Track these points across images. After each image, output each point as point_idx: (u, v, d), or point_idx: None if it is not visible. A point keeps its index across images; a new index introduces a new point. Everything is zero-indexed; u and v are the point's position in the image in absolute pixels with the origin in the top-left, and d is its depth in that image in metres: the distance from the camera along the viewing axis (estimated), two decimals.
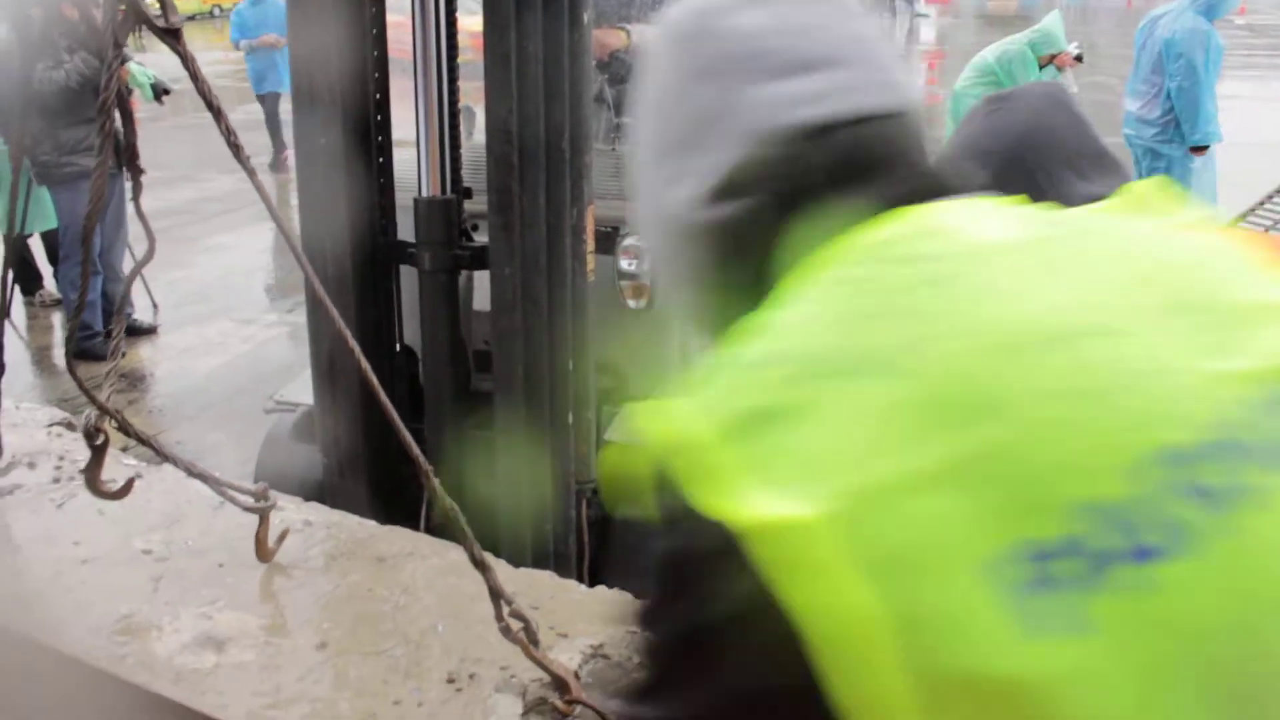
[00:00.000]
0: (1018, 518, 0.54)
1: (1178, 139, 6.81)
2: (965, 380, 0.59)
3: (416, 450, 1.33)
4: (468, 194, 2.88)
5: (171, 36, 1.08)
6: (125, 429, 1.77)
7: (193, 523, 2.38)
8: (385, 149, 2.83)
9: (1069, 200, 1.49)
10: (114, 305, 6.49)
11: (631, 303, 3.30)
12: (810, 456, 0.58)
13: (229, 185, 10.95)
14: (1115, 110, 7.95)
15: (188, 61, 1.13)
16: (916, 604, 0.54)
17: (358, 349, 1.28)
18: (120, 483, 1.88)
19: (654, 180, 0.87)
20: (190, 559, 2.26)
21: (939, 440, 0.57)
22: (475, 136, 3.55)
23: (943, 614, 0.53)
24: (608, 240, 3.22)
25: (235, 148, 1.23)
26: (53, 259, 7.09)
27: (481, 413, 2.98)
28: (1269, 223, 7.18)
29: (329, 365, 2.83)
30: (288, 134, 9.97)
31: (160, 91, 6.61)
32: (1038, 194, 1.51)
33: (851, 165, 0.77)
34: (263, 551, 2.21)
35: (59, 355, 6.75)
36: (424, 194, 2.79)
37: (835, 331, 0.64)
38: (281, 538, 2.26)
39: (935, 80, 16.52)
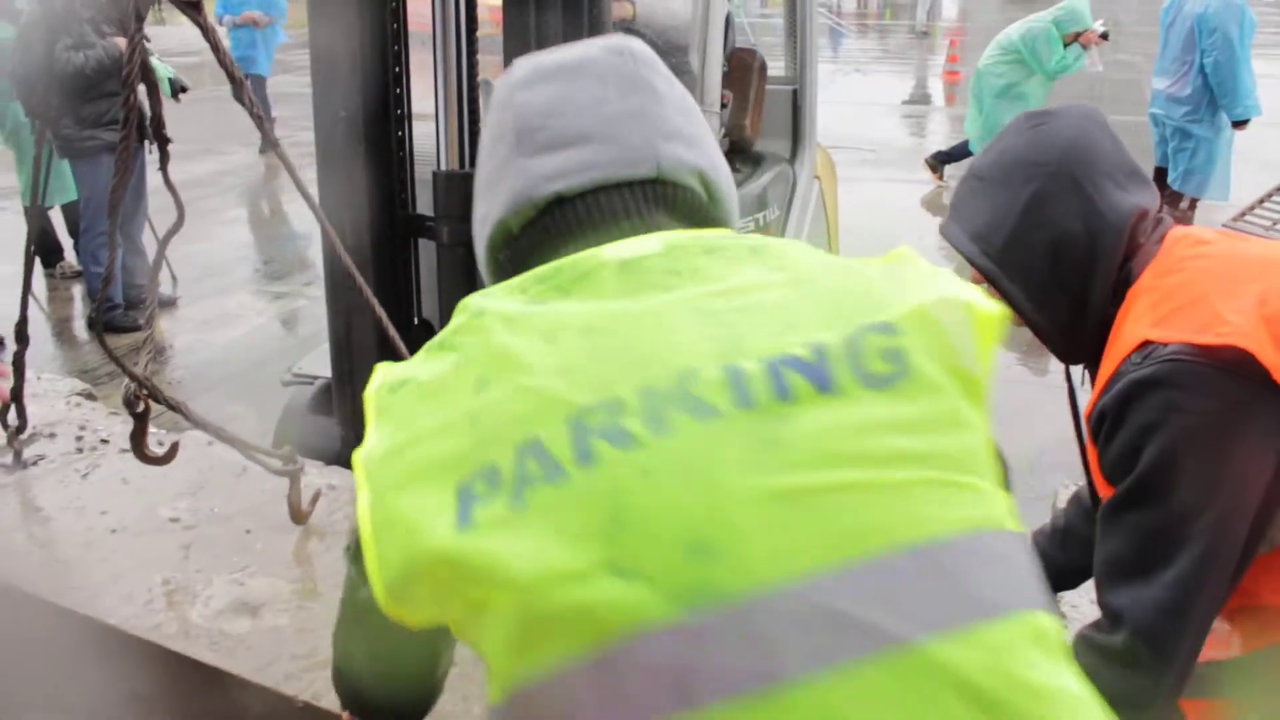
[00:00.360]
0: (481, 453, 0.83)
1: (1208, 117, 6.74)
2: (486, 359, 0.88)
3: None
4: None
5: (192, 8, 1.08)
6: (155, 396, 1.78)
7: (217, 490, 2.40)
8: (404, 122, 2.83)
9: (1116, 207, 1.58)
10: (133, 278, 6.53)
11: None
12: (392, 413, 0.89)
13: (249, 158, 10.97)
14: (1141, 89, 7.89)
15: (208, 33, 1.13)
16: (391, 512, 0.84)
17: (385, 317, 1.29)
18: (165, 447, 1.91)
19: (477, 206, 1.09)
20: (218, 525, 2.28)
21: (453, 401, 0.87)
22: None
23: (406, 518, 0.83)
24: None
25: (258, 118, 1.23)
26: (73, 232, 7.13)
27: None
28: (1268, 223, 7.15)
29: (347, 337, 2.84)
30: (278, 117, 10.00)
31: (178, 89, 6.60)
32: (1085, 202, 1.58)
33: (579, 226, 1.00)
34: (297, 514, 2.22)
35: (79, 327, 6.79)
36: (443, 168, 2.79)
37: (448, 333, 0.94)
38: (314, 500, 2.27)
39: (956, 58, 16.46)
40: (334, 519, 2.29)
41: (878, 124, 13.02)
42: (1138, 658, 1.46)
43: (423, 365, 0.92)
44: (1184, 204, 6.70)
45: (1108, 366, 1.53)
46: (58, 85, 5.80)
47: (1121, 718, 1.23)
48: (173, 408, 1.78)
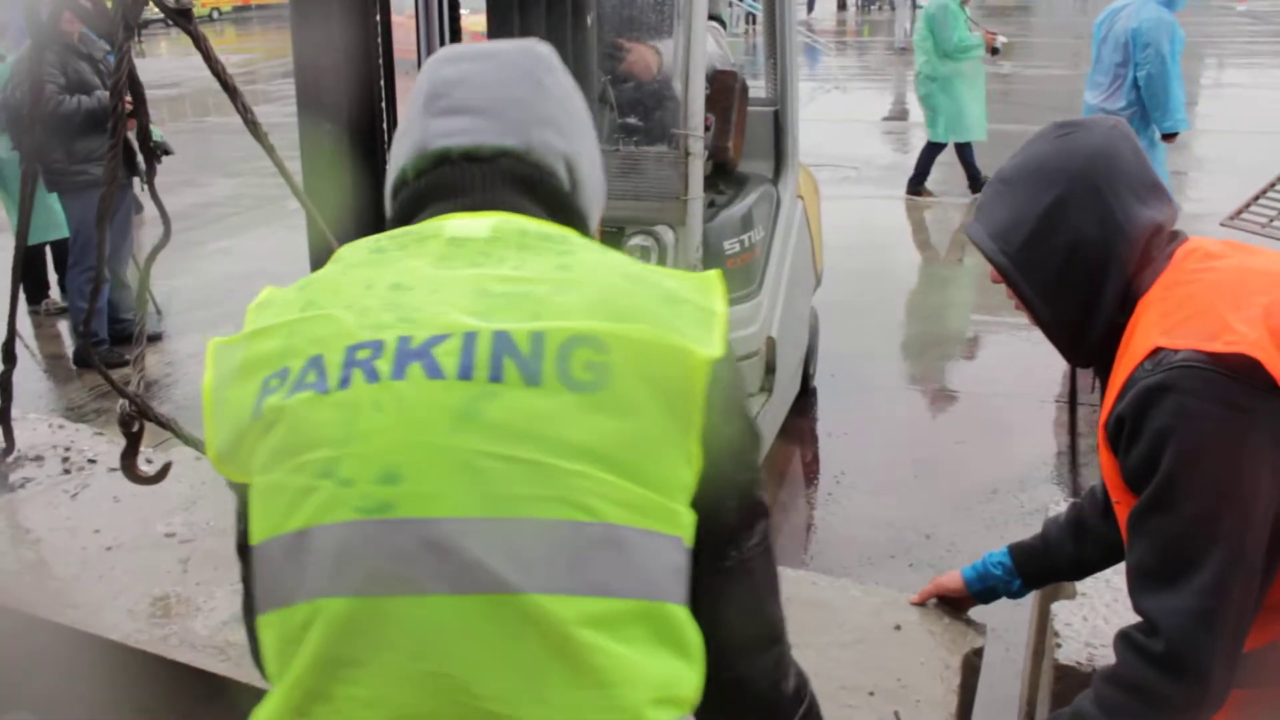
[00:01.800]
0: (283, 359, 1.07)
1: (1141, 129, 6.81)
2: (321, 287, 1.12)
3: None
4: None
5: (182, 17, 1.09)
6: (146, 414, 1.79)
7: (210, 504, 2.40)
8: (390, 137, 2.83)
9: (1133, 219, 1.64)
10: (118, 312, 6.51)
11: None
12: (249, 317, 1.14)
13: (229, 189, 10.96)
14: (1074, 99, 7.94)
15: (199, 41, 1.14)
16: (223, 398, 1.10)
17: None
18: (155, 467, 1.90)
19: (391, 156, 1.28)
20: (215, 539, 2.27)
21: (284, 313, 1.10)
22: None
23: (232, 402, 1.09)
24: (613, 240, 3.23)
25: (253, 125, 1.25)
26: (60, 268, 7.10)
27: None
28: (1264, 219, 7.18)
29: None
30: None
31: (162, 151, 6.59)
32: (1105, 210, 1.63)
33: (450, 188, 1.20)
34: None
35: (64, 364, 6.76)
36: None
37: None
38: None
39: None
40: None
41: (859, 141, 13.08)
42: (1178, 665, 1.51)
43: (284, 289, 1.16)
44: None
45: (1120, 374, 1.58)
46: (49, 124, 5.82)
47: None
48: (164, 425, 1.79)
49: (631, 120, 3.65)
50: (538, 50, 1.29)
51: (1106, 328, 1.68)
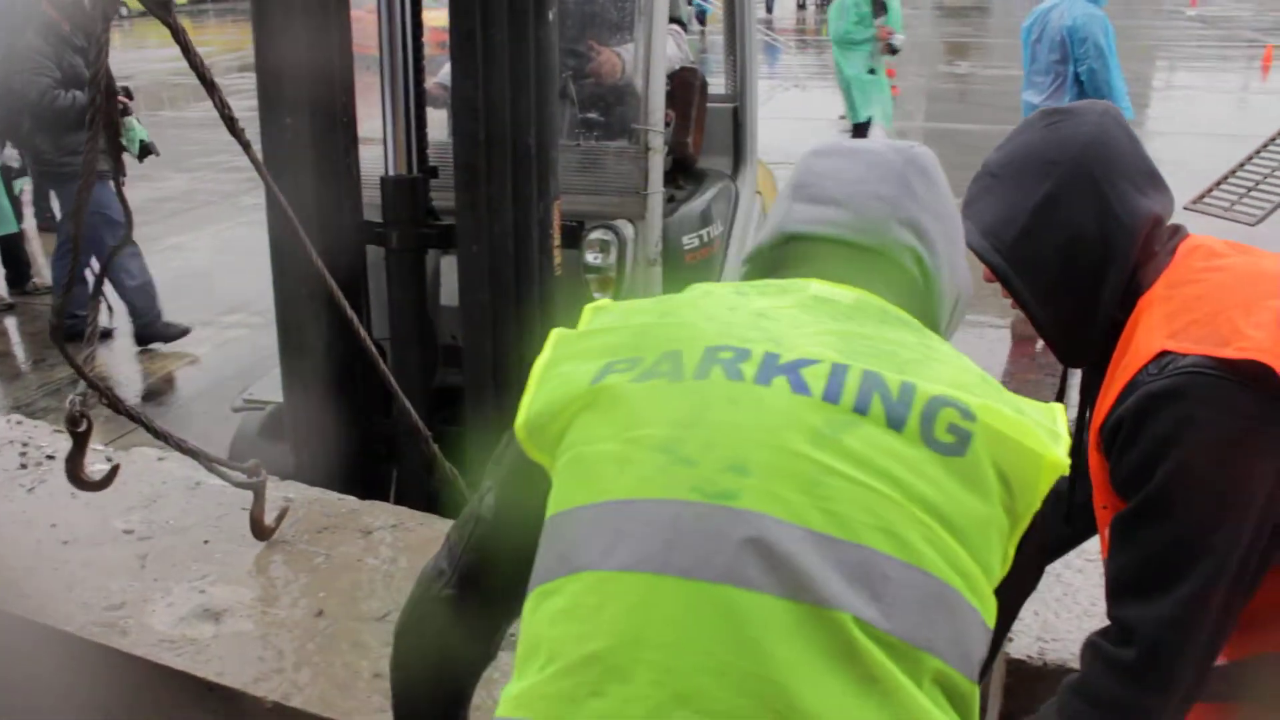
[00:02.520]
0: (634, 350, 1.08)
1: None
2: (683, 302, 1.16)
3: (416, 417, 1.40)
4: (434, 173, 2.89)
5: (161, 8, 1.08)
6: (115, 406, 1.77)
7: (171, 502, 2.39)
8: (350, 131, 2.83)
9: (1132, 211, 1.57)
10: (72, 306, 6.46)
11: (597, 296, 3.33)
12: (592, 318, 1.17)
13: (184, 184, 10.85)
14: (1012, 98, 8.05)
15: (178, 33, 1.14)
16: (556, 371, 1.10)
17: (364, 333, 1.33)
18: (104, 471, 1.89)
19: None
20: (174, 536, 2.26)
21: (637, 317, 1.14)
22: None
23: (564, 375, 1.09)
24: (573, 235, 3.25)
25: (230, 120, 1.24)
26: (9, 263, 7.11)
27: (451, 407, 2.99)
28: (1226, 204, 7.38)
29: (299, 359, 2.83)
30: None
31: (146, 151, 6.53)
32: (1101, 203, 1.56)
33: (803, 262, 1.25)
34: (260, 529, 2.21)
35: (14, 361, 6.68)
36: (391, 173, 2.80)
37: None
38: (281, 516, 2.26)
39: (894, 72, 16.67)
40: (294, 529, 2.29)
41: (817, 138, 13.14)
42: (1146, 675, 1.46)
43: (629, 301, 1.20)
44: None
45: (1121, 377, 1.51)
46: (41, 117, 5.90)
47: None
48: (134, 418, 1.78)
49: (593, 116, 3.67)
50: (914, 153, 1.32)
51: (1104, 326, 1.60)
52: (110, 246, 2.07)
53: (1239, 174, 7.84)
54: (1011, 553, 1.04)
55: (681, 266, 3.74)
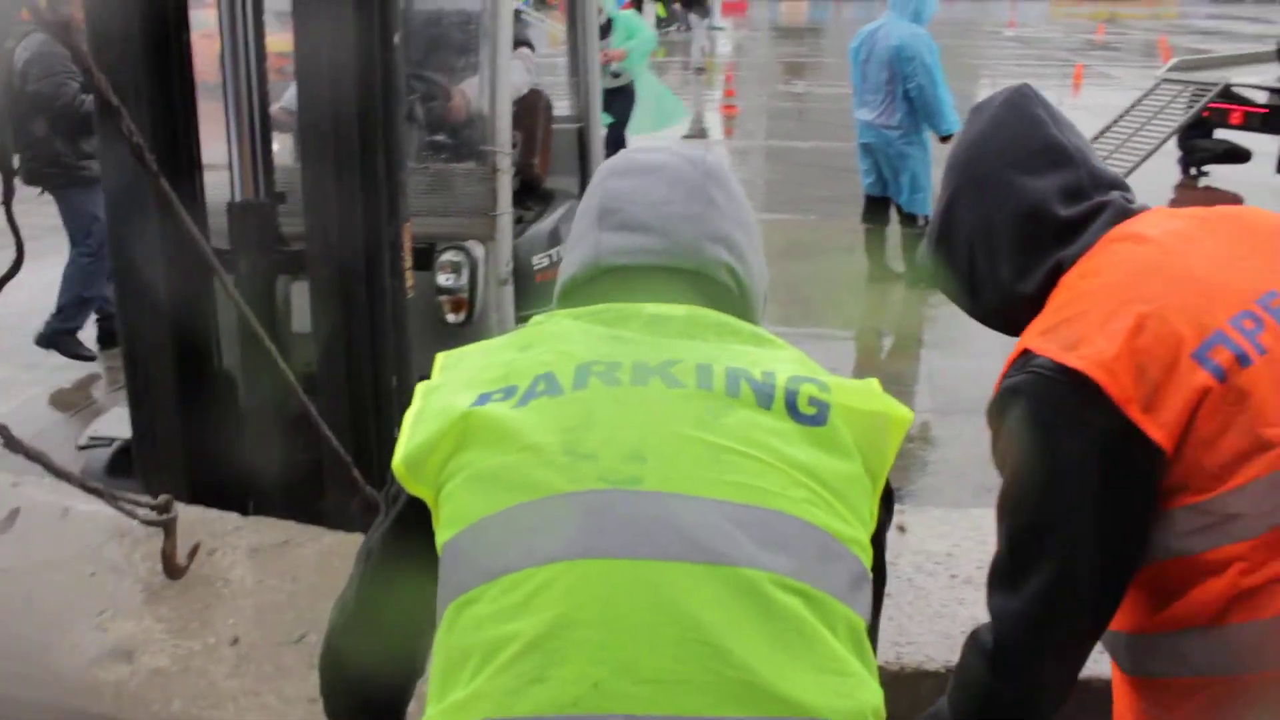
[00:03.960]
0: (506, 380, 1.13)
1: (918, 139, 7.26)
2: (536, 334, 1.21)
3: (335, 442, 1.41)
4: (281, 198, 2.87)
5: (62, 30, 1.07)
6: (11, 444, 1.72)
7: (40, 535, 2.27)
8: (194, 157, 2.79)
9: (1020, 192, 1.60)
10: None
11: (451, 317, 3.34)
12: (449, 365, 1.21)
13: None
14: (846, 115, 8.36)
15: (81, 57, 1.12)
16: (430, 406, 1.14)
17: (285, 368, 1.33)
18: None
19: (565, 257, 1.38)
20: (53, 571, 2.14)
21: (499, 355, 1.19)
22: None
23: (438, 407, 1.12)
24: (425, 256, 3.26)
25: (139, 148, 1.22)
26: None
27: (306, 435, 2.96)
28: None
29: (146, 390, 2.78)
30: None
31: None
32: (991, 194, 1.62)
33: (626, 291, 1.26)
34: (172, 567, 2.11)
35: None
36: (238, 199, 2.77)
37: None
38: (193, 553, 2.16)
39: (733, 92, 16.99)
40: (181, 553, 2.19)
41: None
42: (998, 664, 1.52)
43: (481, 345, 1.24)
44: (920, 222, 7.15)
45: (1004, 368, 1.56)
46: (65, 121, 5.82)
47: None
48: (31, 457, 1.73)
49: (440, 138, 3.68)
50: (709, 164, 1.36)
51: (1028, 304, 1.61)
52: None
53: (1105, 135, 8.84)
54: (876, 508, 1.16)
55: (532, 286, 3.77)
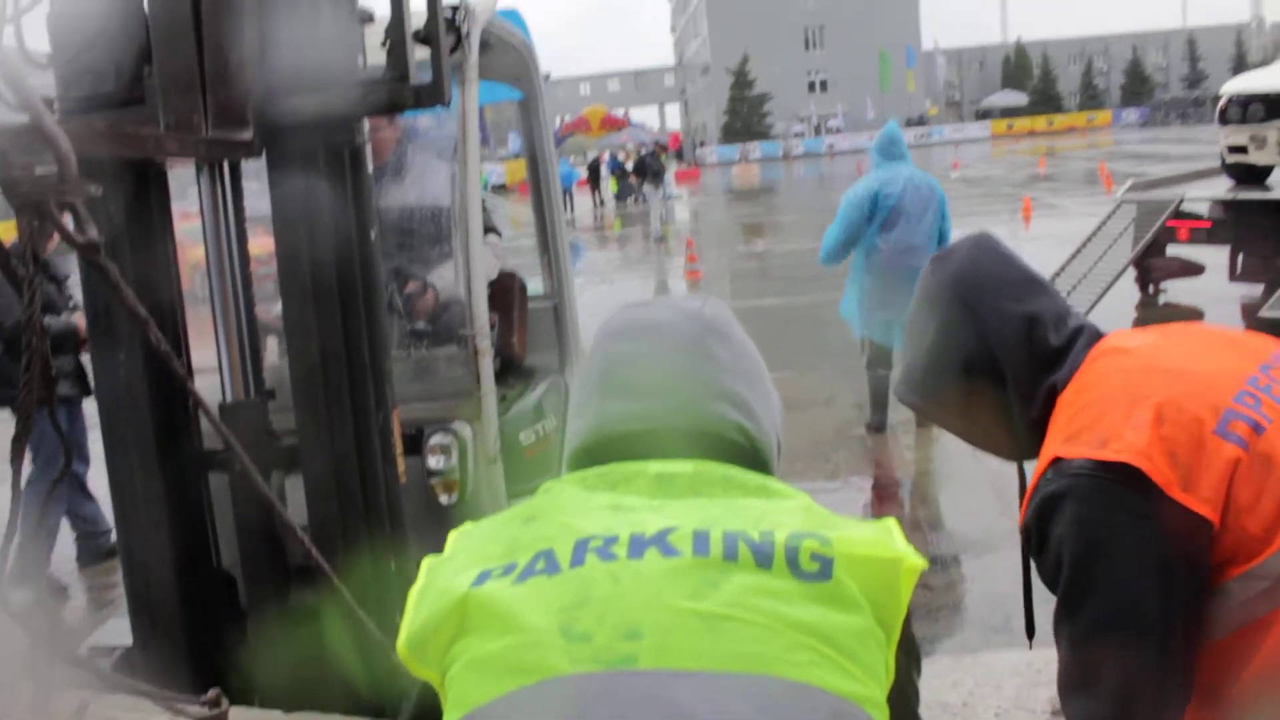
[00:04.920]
0: (508, 557, 1.15)
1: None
2: (541, 505, 1.23)
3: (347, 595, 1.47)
4: (271, 395, 2.93)
5: (91, 250, 1.12)
6: (73, 661, 1.70)
7: None
8: (184, 362, 2.85)
9: (1008, 319, 1.73)
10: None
11: (443, 498, 3.38)
12: (457, 540, 1.25)
13: None
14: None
15: (108, 273, 1.17)
16: (432, 585, 1.17)
17: (311, 545, 1.37)
18: None
19: (569, 420, 1.40)
20: None
21: (503, 529, 1.21)
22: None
23: (440, 586, 1.15)
24: (414, 442, 3.31)
25: (167, 355, 1.26)
26: None
27: (308, 631, 2.96)
28: None
29: (146, 597, 2.78)
30: None
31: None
32: (979, 322, 1.74)
33: (632, 453, 1.27)
34: None
35: None
36: (229, 400, 2.83)
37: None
38: None
39: (695, 258, 17.38)
40: None
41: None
42: None
43: (491, 518, 1.27)
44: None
45: (1031, 484, 1.64)
46: (16, 342, 5.66)
47: None
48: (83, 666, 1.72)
49: (421, 325, 3.78)
50: (705, 316, 1.34)
51: (1029, 426, 1.72)
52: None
53: (1062, 275, 9.35)
54: (892, 661, 1.13)
55: (521, 462, 3.83)
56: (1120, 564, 1.52)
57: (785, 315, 13.11)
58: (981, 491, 6.25)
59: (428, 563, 1.21)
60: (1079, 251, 10.23)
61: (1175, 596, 1.52)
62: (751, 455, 1.30)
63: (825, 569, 1.10)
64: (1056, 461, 1.59)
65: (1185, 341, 1.74)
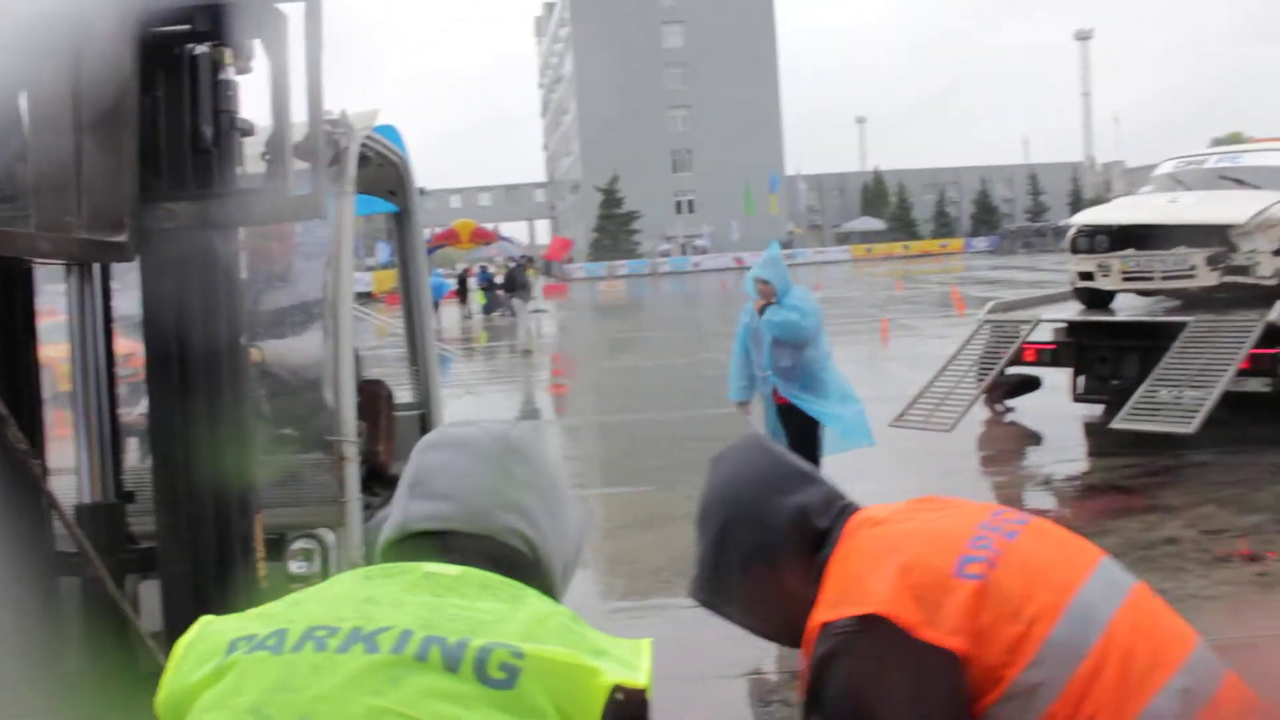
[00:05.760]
0: (255, 629, 1.31)
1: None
2: (306, 596, 1.40)
3: None
4: (130, 498, 2.90)
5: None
6: None
7: None
8: (40, 462, 2.81)
9: (778, 514, 1.89)
10: None
11: None
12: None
13: None
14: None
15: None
16: (192, 647, 1.35)
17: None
18: None
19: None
20: None
21: (265, 611, 1.38)
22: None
23: (198, 649, 1.34)
24: (276, 546, 3.30)
25: (25, 454, 1.28)
26: None
27: None
28: (922, 417, 9.86)
29: None
30: None
31: None
32: (754, 521, 1.90)
33: (427, 553, 1.43)
34: None
35: None
36: (87, 501, 2.79)
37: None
38: None
39: (561, 372, 17.52)
40: None
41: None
42: None
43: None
44: None
45: (803, 655, 1.81)
46: None
47: None
48: None
49: (288, 431, 3.78)
50: (510, 438, 1.53)
51: (808, 608, 1.85)
52: None
53: (927, 393, 10.22)
54: None
55: None
56: (886, 709, 1.69)
57: (651, 431, 13.24)
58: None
59: (201, 622, 1.40)
60: (943, 370, 10.74)
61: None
62: (533, 564, 1.47)
63: (511, 678, 1.23)
64: (823, 626, 1.76)
65: (926, 507, 1.97)
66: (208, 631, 1.35)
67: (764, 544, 1.90)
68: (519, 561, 1.45)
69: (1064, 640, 1.68)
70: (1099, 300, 11.13)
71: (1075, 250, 11.18)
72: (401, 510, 1.50)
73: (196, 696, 1.27)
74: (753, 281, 7.71)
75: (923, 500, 2.01)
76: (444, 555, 1.43)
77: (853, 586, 1.77)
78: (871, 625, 1.69)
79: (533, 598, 1.37)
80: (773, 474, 1.96)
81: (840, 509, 1.95)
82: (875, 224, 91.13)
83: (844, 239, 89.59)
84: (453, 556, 1.42)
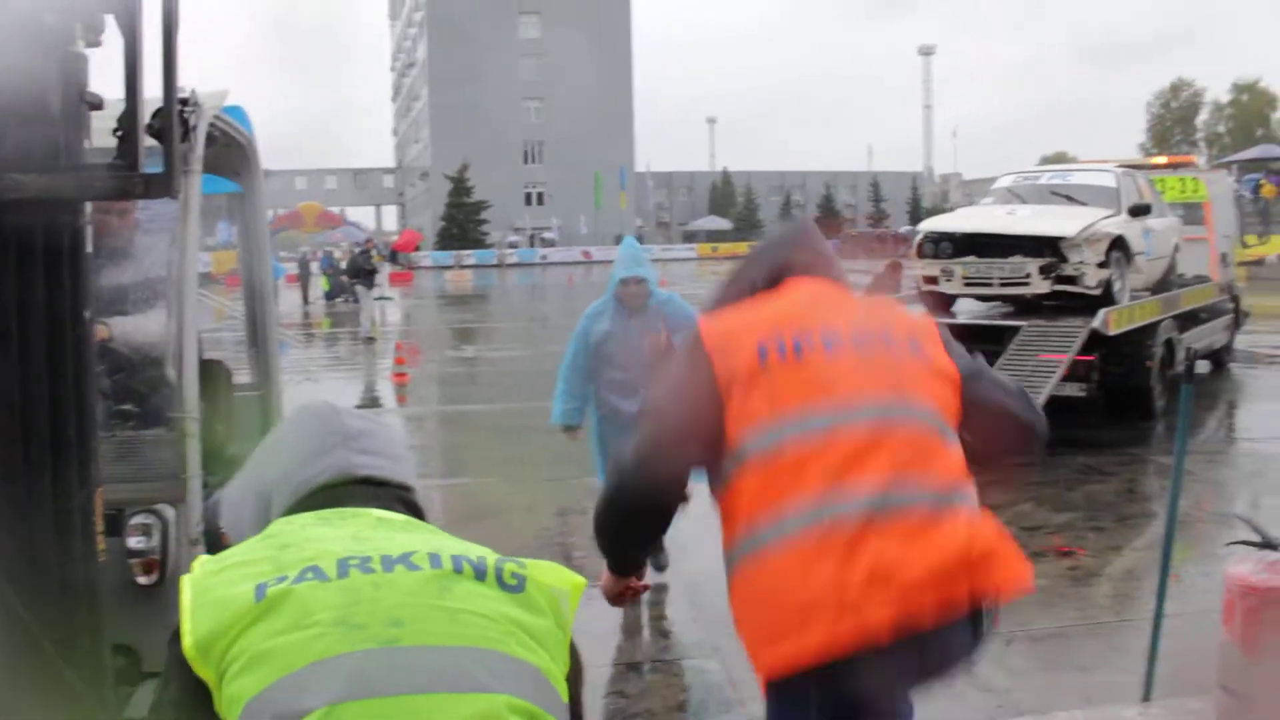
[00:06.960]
0: (276, 570, 1.50)
1: None
2: (290, 534, 1.61)
3: None
4: None
5: None
6: None
7: None
8: None
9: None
10: None
11: (142, 579, 3.38)
12: (210, 563, 1.57)
13: None
14: None
15: None
16: (207, 594, 1.49)
17: None
18: None
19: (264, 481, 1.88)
20: None
21: (258, 553, 1.55)
22: None
23: (218, 596, 1.47)
24: (114, 522, 3.31)
25: None
26: None
27: None
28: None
29: None
30: None
31: None
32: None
33: (366, 496, 1.76)
34: None
35: None
36: None
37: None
38: None
39: (404, 360, 17.38)
40: None
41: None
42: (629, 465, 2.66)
43: (236, 551, 1.60)
44: None
45: None
46: None
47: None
48: None
49: (128, 407, 3.78)
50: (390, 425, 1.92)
51: None
52: None
53: None
54: (567, 655, 1.60)
55: (220, 546, 3.83)
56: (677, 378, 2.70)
57: (493, 422, 13.29)
58: (679, 602, 6.62)
59: (189, 581, 1.52)
60: None
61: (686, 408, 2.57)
62: (420, 513, 1.82)
63: (521, 584, 1.58)
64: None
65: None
66: (213, 581, 1.50)
67: None
68: (419, 511, 1.80)
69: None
70: (943, 303, 11.70)
71: (921, 255, 11.77)
72: (341, 457, 1.79)
73: (239, 634, 1.42)
74: (622, 283, 6.57)
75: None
76: (375, 502, 1.73)
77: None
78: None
79: (436, 529, 1.73)
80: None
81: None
82: (722, 223, 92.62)
83: (690, 237, 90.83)
84: (382, 503, 1.73)
